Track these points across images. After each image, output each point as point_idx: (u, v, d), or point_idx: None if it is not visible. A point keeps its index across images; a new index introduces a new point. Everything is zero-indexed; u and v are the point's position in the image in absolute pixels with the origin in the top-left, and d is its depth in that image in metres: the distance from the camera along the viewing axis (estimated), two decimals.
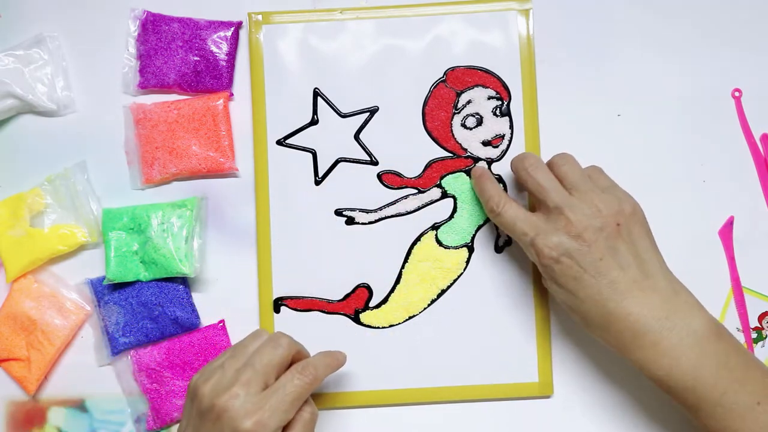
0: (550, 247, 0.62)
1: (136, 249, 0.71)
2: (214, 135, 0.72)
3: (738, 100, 0.73)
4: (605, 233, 0.62)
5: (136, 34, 0.73)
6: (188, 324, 0.71)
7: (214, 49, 0.73)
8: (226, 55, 0.73)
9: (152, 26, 0.73)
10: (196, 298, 0.72)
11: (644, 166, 0.72)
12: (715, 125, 0.73)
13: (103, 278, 0.71)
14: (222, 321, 0.72)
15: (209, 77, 0.73)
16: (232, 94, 0.73)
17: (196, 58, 0.73)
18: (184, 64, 0.73)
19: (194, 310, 0.71)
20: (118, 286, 0.71)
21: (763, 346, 0.72)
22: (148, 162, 0.72)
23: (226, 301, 0.72)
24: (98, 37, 0.74)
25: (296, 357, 0.64)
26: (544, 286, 0.67)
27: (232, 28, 0.73)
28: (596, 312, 0.62)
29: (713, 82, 0.73)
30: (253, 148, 0.72)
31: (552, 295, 0.67)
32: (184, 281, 0.71)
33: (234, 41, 0.73)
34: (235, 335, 0.72)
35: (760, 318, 0.72)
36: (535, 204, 0.66)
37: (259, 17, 0.73)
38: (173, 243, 0.70)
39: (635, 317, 0.61)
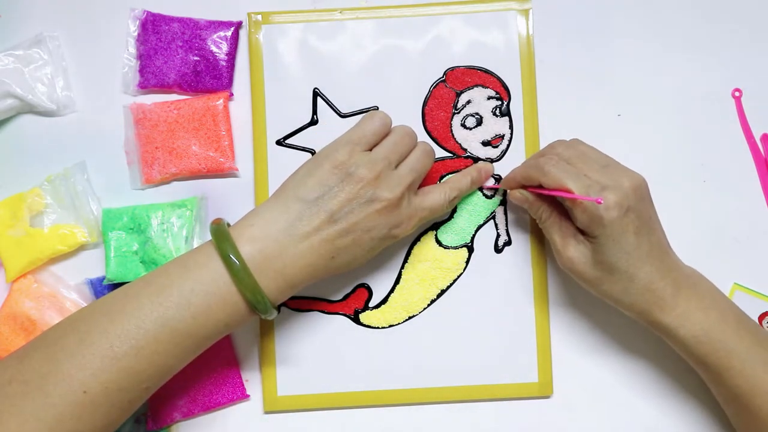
0: (623, 197, 0.61)
1: (136, 249, 0.71)
2: (214, 135, 0.72)
3: (738, 100, 0.73)
4: (647, 195, 0.64)
5: (136, 34, 0.73)
6: None
7: (214, 49, 0.73)
8: (226, 55, 0.73)
9: (152, 26, 0.73)
10: None
11: (644, 166, 0.72)
12: (715, 125, 0.73)
13: (103, 278, 0.71)
14: None
15: (209, 77, 0.73)
16: (232, 94, 0.73)
17: (196, 58, 0.73)
18: (184, 64, 0.73)
19: None
20: (118, 286, 0.71)
21: None
22: (148, 162, 0.72)
23: None
24: (98, 37, 0.74)
25: None
26: (573, 263, 0.64)
27: (232, 28, 0.73)
28: (647, 269, 0.62)
29: (713, 82, 0.73)
30: (252, 148, 0.72)
31: (585, 271, 0.64)
32: None
33: (234, 41, 0.73)
34: (235, 335, 0.72)
35: (760, 318, 0.72)
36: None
37: (259, 17, 0.73)
38: (173, 243, 0.70)
39: (679, 273, 0.64)
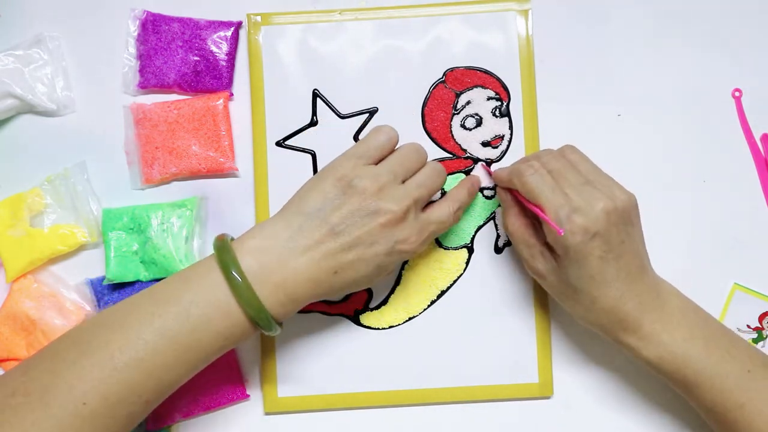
0: (590, 222, 0.60)
1: (136, 249, 0.71)
2: (214, 135, 0.72)
3: (738, 100, 0.73)
4: (623, 218, 0.62)
5: (136, 34, 0.73)
6: None
7: (214, 49, 0.73)
8: (226, 55, 0.73)
9: (152, 26, 0.73)
10: None
11: (644, 166, 0.72)
12: (715, 125, 0.73)
13: (103, 278, 0.71)
14: None
15: (209, 77, 0.73)
16: (232, 94, 0.73)
17: (196, 58, 0.73)
18: (184, 64, 0.73)
19: None
20: (118, 286, 0.71)
21: (763, 346, 0.72)
22: (148, 162, 0.72)
23: None
24: (98, 37, 0.74)
25: None
26: (545, 285, 0.66)
27: (232, 28, 0.73)
28: (611, 293, 0.61)
29: (713, 82, 0.73)
30: (252, 149, 0.72)
31: (556, 288, 0.65)
32: None
33: (234, 41, 0.73)
34: None
35: (761, 318, 0.72)
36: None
37: (258, 18, 0.73)
38: (173, 243, 0.70)
39: (648, 295, 0.62)
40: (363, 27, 0.73)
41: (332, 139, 0.72)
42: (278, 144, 0.72)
